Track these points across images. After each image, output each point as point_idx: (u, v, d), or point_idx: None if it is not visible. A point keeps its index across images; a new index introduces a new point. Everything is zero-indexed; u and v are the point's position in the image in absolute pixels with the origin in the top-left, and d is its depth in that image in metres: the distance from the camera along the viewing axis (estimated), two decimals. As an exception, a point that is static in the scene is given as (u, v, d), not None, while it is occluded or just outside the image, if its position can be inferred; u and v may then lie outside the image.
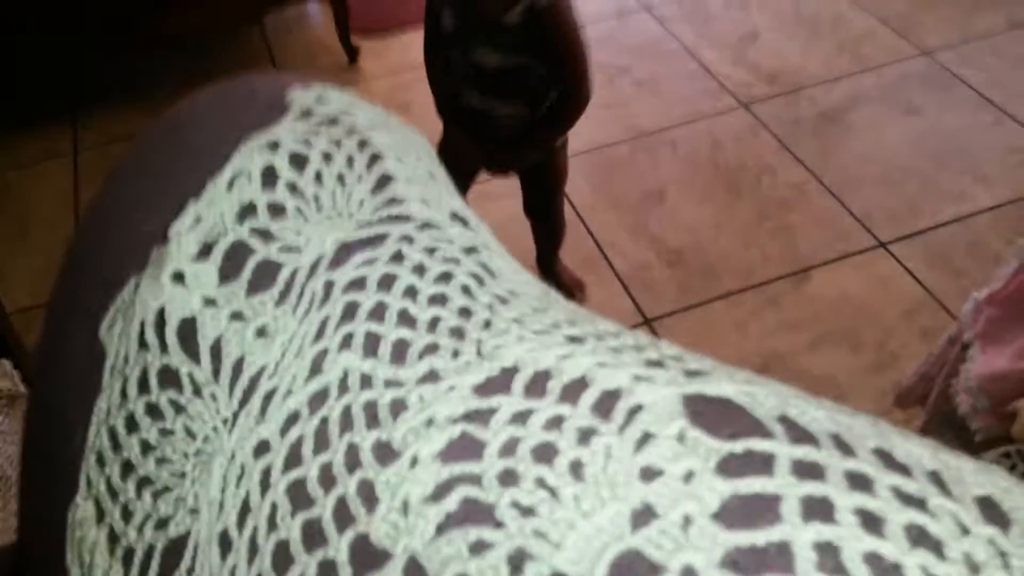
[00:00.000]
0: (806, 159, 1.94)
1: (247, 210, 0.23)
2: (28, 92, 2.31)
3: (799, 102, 2.11)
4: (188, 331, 0.22)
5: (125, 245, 0.24)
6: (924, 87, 2.10)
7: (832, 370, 1.49)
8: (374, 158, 0.25)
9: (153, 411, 0.22)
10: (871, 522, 0.15)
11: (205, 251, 0.23)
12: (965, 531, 0.15)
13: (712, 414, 0.17)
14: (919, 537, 0.15)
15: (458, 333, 0.21)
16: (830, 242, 1.73)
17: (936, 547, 0.14)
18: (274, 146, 0.25)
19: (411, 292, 0.22)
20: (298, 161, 0.24)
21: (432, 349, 0.20)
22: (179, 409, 0.21)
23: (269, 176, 0.24)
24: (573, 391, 0.18)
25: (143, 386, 0.22)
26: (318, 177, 0.24)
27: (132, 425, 0.22)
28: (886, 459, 0.16)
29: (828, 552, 0.14)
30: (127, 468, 0.22)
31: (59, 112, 2.29)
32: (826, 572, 0.14)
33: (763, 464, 0.16)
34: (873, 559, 0.14)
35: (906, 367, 1.28)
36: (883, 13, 2.35)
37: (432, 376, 0.19)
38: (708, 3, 2.49)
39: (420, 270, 0.22)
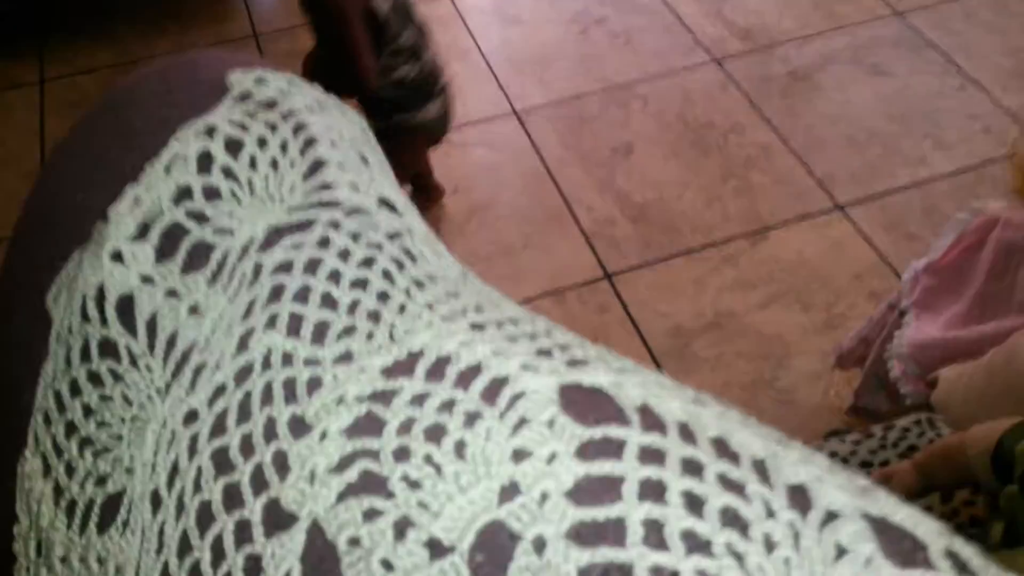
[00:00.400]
0: (773, 118, 1.96)
1: (183, 193, 0.25)
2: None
3: (771, 60, 2.12)
4: (126, 306, 0.24)
5: (68, 221, 0.26)
6: (894, 49, 2.12)
7: (781, 329, 1.55)
8: (308, 142, 0.26)
9: (94, 378, 0.24)
10: (694, 503, 0.17)
11: (142, 231, 0.24)
12: (771, 514, 0.17)
13: (582, 402, 0.19)
14: (731, 518, 0.17)
15: (375, 317, 0.22)
16: (790, 203, 1.77)
17: (743, 527, 0.17)
18: (211, 131, 0.26)
19: (335, 276, 0.23)
20: (233, 146, 0.26)
21: (350, 331, 0.22)
22: (117, 377, 0.23)
23: (205, 161, 0.25)
24: (467, 377, 0.20)
25: (85, 355, 0.24)
26: (252, 162, 0.25)
27: (75, 390, 0.24)
28: (721, 448, 0.18)
29: (654, 528, 0.17)
30: (70, 428, 0.24)
31: (25, 44, 2.24)
32: (650, 546, 0.17)
33: (615, 449, 0.18)
34: (689, 536, 0.17)
35: (852, 329, 1.32)
36: (860, -29, 2.34)
37: (347, 357, 0.21)
38: (688, -46, 2.46)
39: (344, 255, 0.24)
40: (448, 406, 0.19)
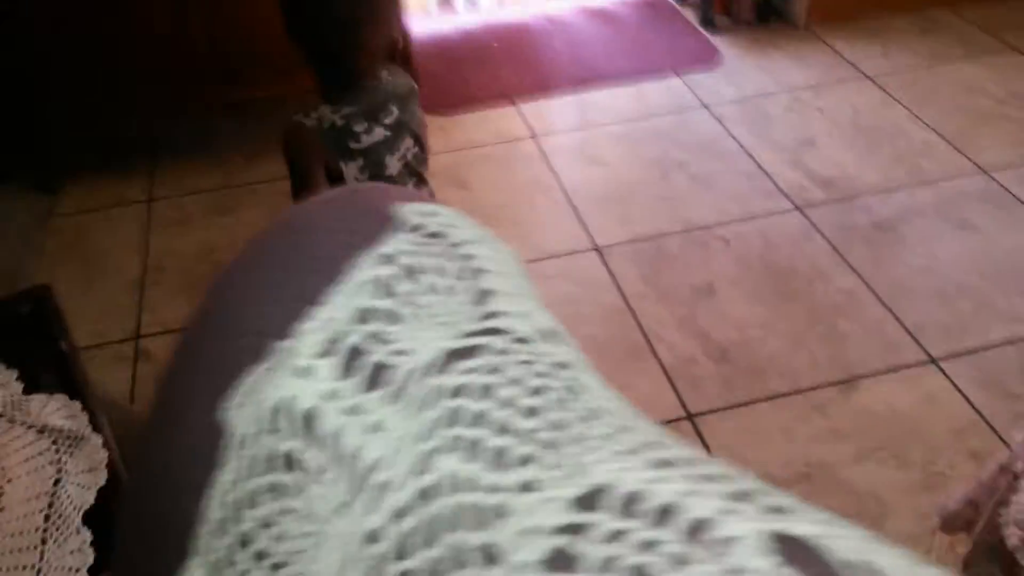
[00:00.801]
0: (859, 267, 1.94)
1: (365, 315, 0.26)
2: (110, 142, 2.43)
3: (854, 210, 2.12)
4: (309, 420, 0.24)
5: (246, 336, 0.27)
6: (981, 204, 2.11)
7: (876, 485, 1.47)
8: (476, 272, 0.28)
9: (274, 490, 0.24)
10: None
11: (326, 350, 0.25)
12: None
13: (795, 553, 0.18)
14: None
15: (552, 445, 0.22)
16: (880, 353, 1.72)
17: None
18: (389, 259, 0.27)
19: (509, 403, 0.23)
20: (410, 273, 0.27)
21: (528, 459, 0.22)
22: (298, 491, 0.23)
23: (384, 286, 0.27)
24: (664, 515, 0.19)
25: (265, 467, 0.24)
26: (427, 289, 0.27)
27: (253, 501, 0.24)
28: None
29: None
30: (245, 540, 0.23)
31: (137, 164, 2.40)
32: None
33: None
34: None
35: (953, 488, 1.25)
36: (942, 128, 2.37)
37: (531, 486, 0.21)
38: (767, 106, 2.54)
39: (516, 382, 0.24)
40: (650, 546, 0.18)
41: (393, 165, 1.29)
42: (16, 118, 2.15)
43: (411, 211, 0.29)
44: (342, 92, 1.23)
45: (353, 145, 1.23)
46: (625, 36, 2.92)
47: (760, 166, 2.29)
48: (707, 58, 2.78)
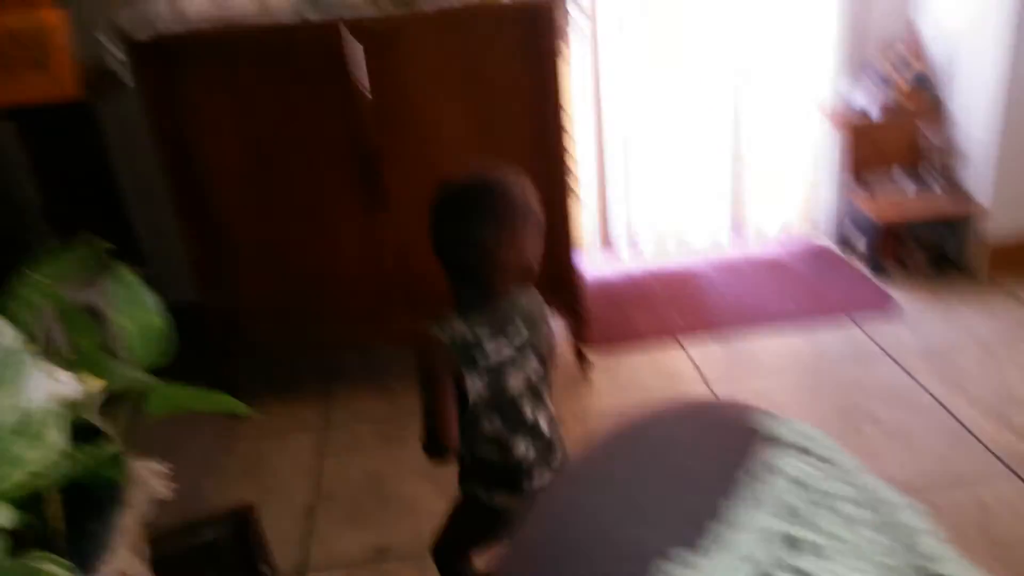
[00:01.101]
0: (1105, 548, 1.69)
1: (780, 540, 0.24)
2: (294, 370, 2.54)
3: (1083, 478, 1.89)
4: None
5: (622, 560, 0.25)
6: None
7: None
8: (876, 500, 0.26)
9: None
10: None
11: (731, 573, 0.23)
12: None
13: None
14: None
15: None
16: None
17: None
18: (772, 470, 0.26)
19: None
20: (799, 486, 0.26)
21: None
22: None
23: (790, 508, 0.25)
24: None
25: None
26: (834, 514, 0.25)
27: None
28: None
29: None
30: None
31: (314, 389, 2.48)
32: None
33: None
34: None
35: None
36: None
37: None
38: (958, 358, 2.40)
39: None
40: None
41: (516, 384, 1.30)
42: (214, 351, 2.29)
43: (768, 422, 0.29)
44: (475, 308, 1.27)
45: (480, 359, 1.26)
46: (791, 282, 2.90)
47: (961, 423, 2.12)
48: (882, 305, 2.70)
